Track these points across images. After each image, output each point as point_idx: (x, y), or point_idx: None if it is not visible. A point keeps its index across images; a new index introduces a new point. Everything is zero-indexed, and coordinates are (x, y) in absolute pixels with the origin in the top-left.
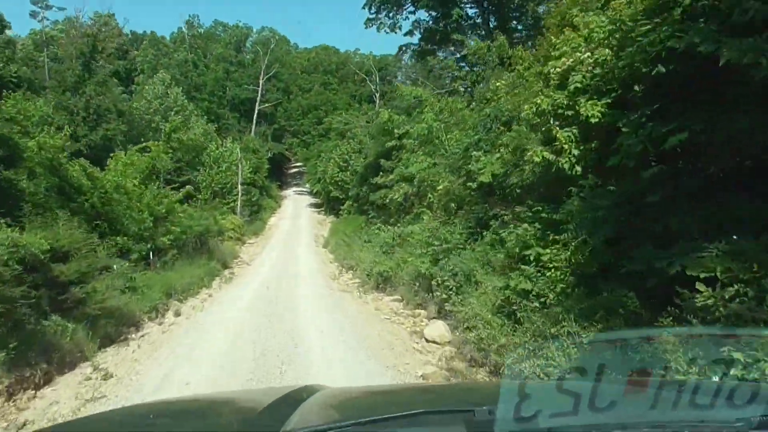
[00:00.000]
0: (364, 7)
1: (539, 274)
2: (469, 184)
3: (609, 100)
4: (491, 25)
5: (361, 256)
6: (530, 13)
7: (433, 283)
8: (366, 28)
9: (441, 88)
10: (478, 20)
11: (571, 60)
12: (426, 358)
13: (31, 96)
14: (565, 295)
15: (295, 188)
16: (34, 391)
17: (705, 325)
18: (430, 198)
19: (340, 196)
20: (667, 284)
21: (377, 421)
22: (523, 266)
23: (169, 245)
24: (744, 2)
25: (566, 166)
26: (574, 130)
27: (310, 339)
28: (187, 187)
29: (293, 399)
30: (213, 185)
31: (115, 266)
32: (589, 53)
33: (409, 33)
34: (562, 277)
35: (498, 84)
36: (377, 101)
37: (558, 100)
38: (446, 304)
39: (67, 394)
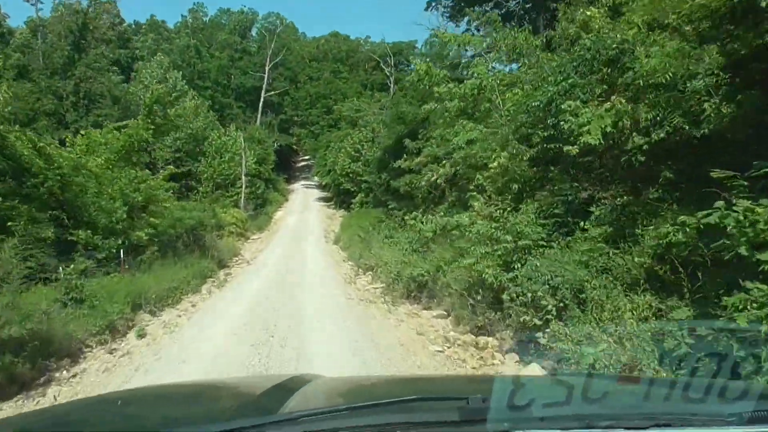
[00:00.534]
0: None
1: None
2: (549, 149)
3: None
4: None
5: (383, 255)
6: None
7: (505, 297)
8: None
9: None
10: None
11: None
12: None
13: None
14: None
15: (303, 182)
16: None
17: None
18: (478, 179)
19: (352, 189)
20: None
21: (371, 407)
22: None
23: (148, 241)
24: None
25: None
26: None
27: None
28: (169, 167)
29: (289, 386)
30: (215, 176)
31: (61, 269)
32: None
33: None
34: None
35: (591, 13)
36: (392, 86)
37: None
38: (540, 334)
39: None
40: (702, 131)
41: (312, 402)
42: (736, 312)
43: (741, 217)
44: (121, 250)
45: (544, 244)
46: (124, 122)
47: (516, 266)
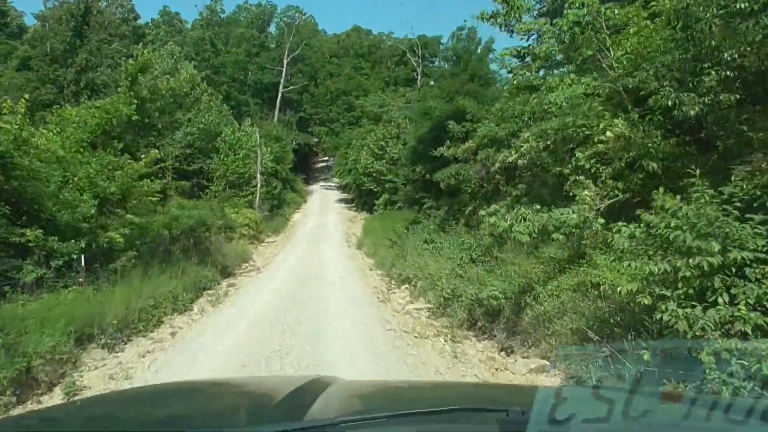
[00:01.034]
0: None
1: None
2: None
3: None
4: None
5: (426, 266)
6: None
7: (705, 358)
8: None
9: None
10: None
11: None
12: None
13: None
14: None
15: (322, 183)
16: None
17: None
18: (578, 159)
19: (375, 189)
20: None
21: (411, 415)
22: None
23: (126, 244)
24: None
25: None
26: None
27: None
28: (153, 151)
29: (311, 389)
30: (228, 175)
31: None
32: None
33: None
34: None
35: None
36: (419, 79)
37: None
38: None
39: None
40: None
41: (339, 407)
42: None
43: None
44: (82, 256)
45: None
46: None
47: (720, 297)
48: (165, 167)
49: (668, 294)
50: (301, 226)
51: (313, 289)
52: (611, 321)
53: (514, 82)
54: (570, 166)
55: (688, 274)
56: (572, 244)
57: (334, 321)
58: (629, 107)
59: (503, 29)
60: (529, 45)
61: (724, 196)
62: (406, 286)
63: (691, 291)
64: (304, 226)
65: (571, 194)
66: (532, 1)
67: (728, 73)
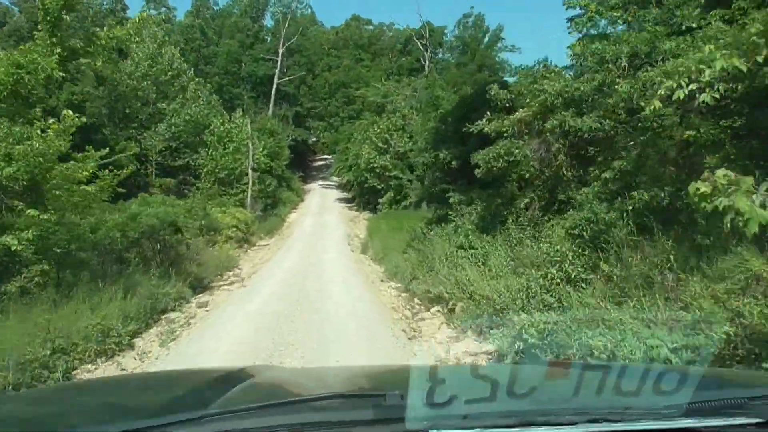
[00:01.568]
0: None
1: None
2: None
3: None
4: None
5: (472, 282)
6: None
7: None
8: None
9: None
10: None
11: None
12: None
13: None
14: None
15: (320, 182)
16: None
17: None
18: None
19: (378, 186)
20: None
21: (284, 405)
22: None
23: (34, 254)
24: None
25: None
26: None
27: None
28: (67, 112)
29: (233, 378)
30: (217, 171)
31: None
32: None
33: None
34: None
35: None
36: (427, 65)
37: None
38: None
39: None
40: None
41: (244, 398)
42: None
43: None
44: None
45: None
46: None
47: None
48: (147, 162)
49: None
50: (297, 227)
51: (312, 314)
52: None
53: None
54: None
55: None
56: None
57: None
58: None
59: None
60: None
61: None
62: (438, 308)
63: None
64: (301, 226)
65: None
66: None
67: None
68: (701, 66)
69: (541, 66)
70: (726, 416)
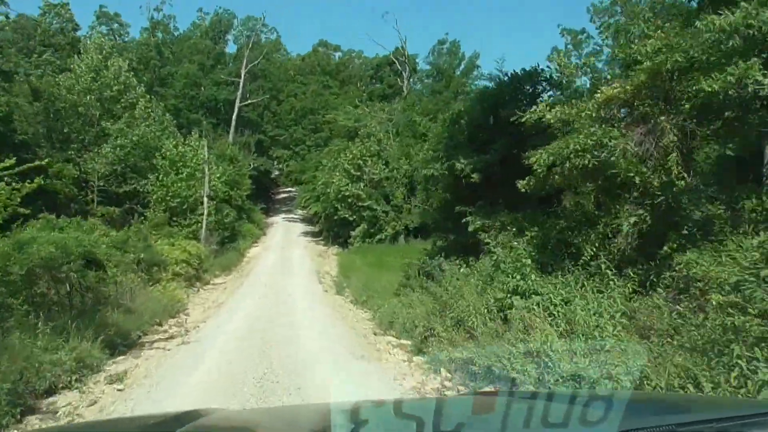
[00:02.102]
0: None
1: None
2: None
3: None
4: None
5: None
6: None
7: None
8: None
9: None
10: None
11: None
12: None
13: None
14: None
15: (284, 215)
16: None
17: None
18: None
19: (350, 218)
20: None
21: None
22: None
23: None
24: None
25: None
26: None
27: None
28: None
29: (177, 422)
30: (168, 198)
31: None
32: None
33: None
34: None
35: None
36: (405, 85)
37: None
38: None
39: None
40: None
41: None
42: None
43: None
44: None
45: None
46: None
47: None
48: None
49: None
50: (260, 263)
51: (283, 395)
52: None
53: None
54: None
55: None
56: None
57: None
58: None
59: None
60: None
61: None
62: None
63: None
64: (264, 262)
65: None
66: None
67: None
68: None
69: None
70: None
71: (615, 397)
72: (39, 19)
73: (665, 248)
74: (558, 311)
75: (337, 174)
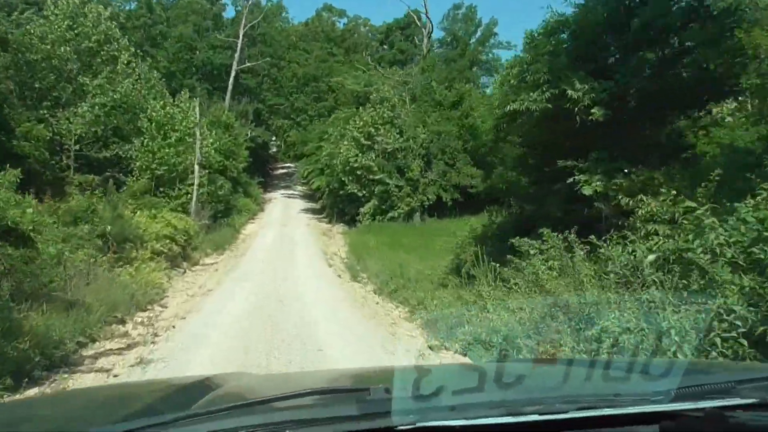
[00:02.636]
0: None
1: None
2: None
3: None
4: None
5: None
6: None
7: None
8: None
9: None
10: None
11: None
12: None
13: None
14: None
15: (283, 190)
16: None
17: None
18: None
19: (360, 193)
20: None
21: (260, 403)
22: None
23: None
24: None
25: None
26: None
27: None
28: None
29: (205, 386)
30: (153, 166)
31: None
32: None
33: None
34: None
35: None
36: (426, 43)
37: None
38: None
39: None
40: None
41: (224, 401)
42: None
43: None
44: None
45: None
46: None
47: None
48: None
49: None
50: (256, 241)
51: None
52: None
53: None
54: None
55: None
56: None
57: None
58: None
59: None
60: None
61: None
62: None
63: None
64: (262, 240)
65: None
66: None
67: None
68: None
69: None
70: (714, 399)
71: (675, 362)
72: None
73: None
74: None
75: (345, 143)
